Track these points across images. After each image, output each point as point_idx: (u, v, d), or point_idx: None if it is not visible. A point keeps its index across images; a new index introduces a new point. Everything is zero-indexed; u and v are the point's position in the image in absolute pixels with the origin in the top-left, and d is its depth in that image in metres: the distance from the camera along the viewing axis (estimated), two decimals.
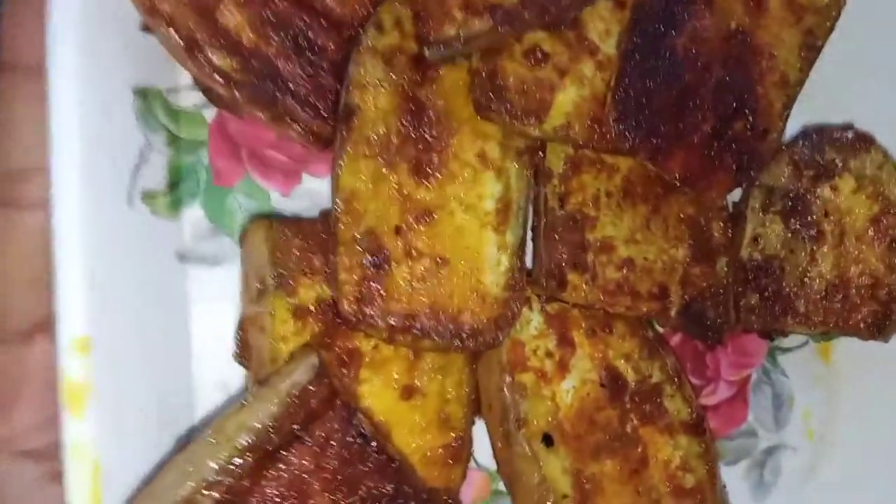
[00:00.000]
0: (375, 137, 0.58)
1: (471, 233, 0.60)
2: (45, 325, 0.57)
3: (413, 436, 0.60)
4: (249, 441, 0.52)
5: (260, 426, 0.52)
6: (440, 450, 0.61)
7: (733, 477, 0.72)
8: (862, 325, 0.69)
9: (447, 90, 0.61)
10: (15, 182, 0.56)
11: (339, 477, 0.55)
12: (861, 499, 0.72)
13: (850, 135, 0.69)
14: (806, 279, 0.69)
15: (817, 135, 0.69)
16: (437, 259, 0.59)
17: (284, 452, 0.53)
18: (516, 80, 0.61)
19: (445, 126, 0.61)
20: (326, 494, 0.54)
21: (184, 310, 0.62)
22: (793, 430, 0.74)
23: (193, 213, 0.63)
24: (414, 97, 0.60)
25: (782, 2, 0.65)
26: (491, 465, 0.66)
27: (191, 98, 0.63)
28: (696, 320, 0.67)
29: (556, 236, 0.63)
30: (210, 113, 0.63)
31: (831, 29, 0.66)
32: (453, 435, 0.62)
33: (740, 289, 0.68)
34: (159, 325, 0.59)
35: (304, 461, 0.54)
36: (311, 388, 0.54)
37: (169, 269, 0.61)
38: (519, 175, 0.62)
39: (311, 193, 0.65)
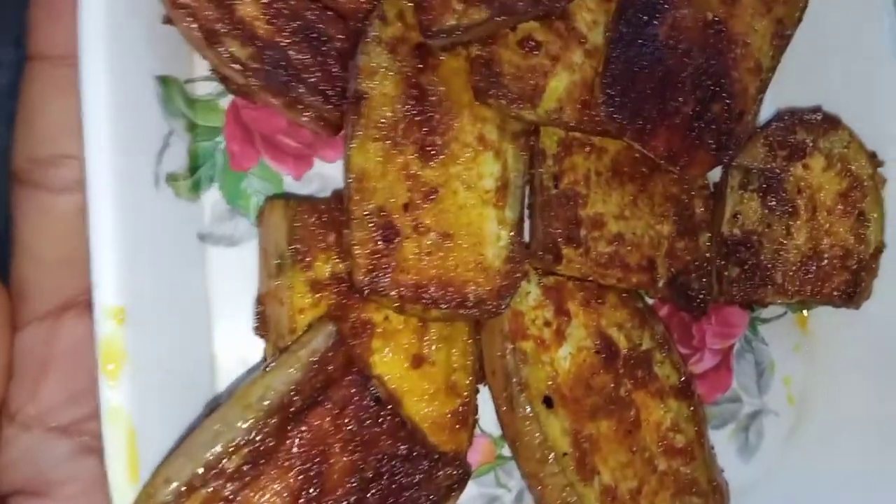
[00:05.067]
0: (383, 121, 0.62)
1: (472, 209, 0.64)
2: (73, 304, 0.60)
3: (422, 402, 0.64)
4: (274, 403, 0.55)
5: (283, 389, 0.56)
6: (448, 415, 0.65)
7: (720, 440, 0.77)
8: (835, 294, 0.74)
9: (448, 76, 0.65)
10: (44, 167, 0.59)
11: (357, 438, 0.58)
12: (840, 458, 0.77)
13: (818, 116, 0.74)
14: (782, 252, 0.74)
15: (789, 117, 0.74)
16: (443, 234, 0.63)
17: (306, 415, 0.57)
18: (511, 67, 0.66)
19: (447, 110, 0.65)
20: (345, 455, 0.58)
21: (204, 287, 0.65)
22: (774, 395, 0.79)
23: (212, 196, 0.66)
24: (417, 83, 0.64)
25: None
26: (495, 431, 0.70)
27: (206, 87, 0.67)
28: (681, 292, 0.72)
29: (552, 213, 0.68)
30: (225, 101, 0.67)
31: (800, 19, 0.71)
32: (459, 401, 0.65)
33: (722, 262, 0.73)
34: (183, 300, 0.62)
35: (324, 423, 0.57)
36: (329, 354, 0.58)
37: (191, 248, 0.64)
38: (515, 156, 0.67)
39: (321, 177, 0.69)
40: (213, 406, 0.59)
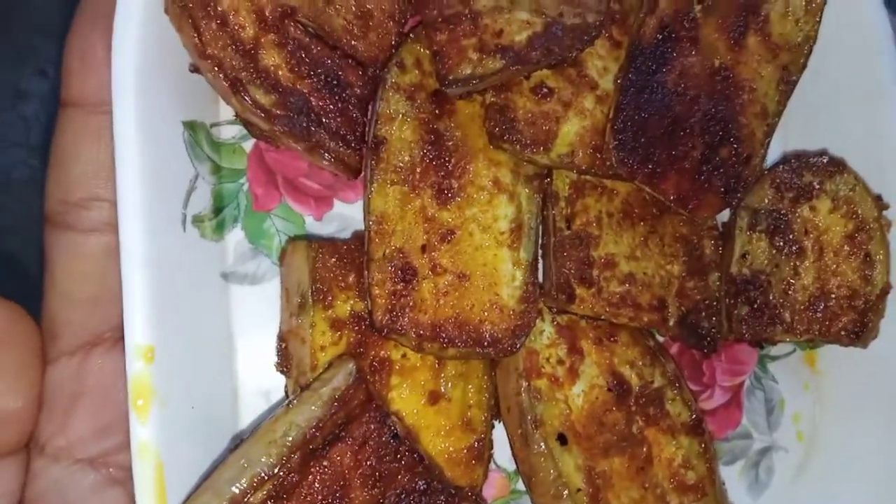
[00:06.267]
0: (401, 165, 0.65)
1: (488, 251, 0.66)
2: (101, 341, 0.62)
3: (438, 438, 0.66)
4: (297, 440, 0.57)
5: (306, 426, 0.57)
6: (464, 451, 0.66)
7: (730, 476, 0.78)
8: (842, 333, 0.75)
9: (463, 122, 0.68)
10: (76, 209, 0.61)
11: (376, 473, 0.60)
12: (848, 495, 0.77)
13: (824, 160, 0.76)
14: (790, 291, 0.75)
15: (795, 160, 0.76)
16: (459, 275, 0.65)
17: (327, 451, 0.58)
18: (525, 113, 0.68)
19: (463, 154, 0.67)
20: (365, 490, 0.59)
21: (229, 324, 0.67)
22: (784, 432, 0.80)
23: (235, 236, 0.69)
24: (434, 129, 0.67)
25: (759, 40, 0.72)
26: (509, 466, 0.72)
27: (231, 131, 0.69)
28: (692, 330, 0.73)
29: (565, 253, 0.69)
30: (248, 144, 0.70)
31: (804, 65, 0.73)
32: (475, 437, 0.67)
33: (731, 301, 0.74)
34: (208, 337, 0.64)
35: (345, 459, 0.59)
36: (349, 392, 0.59)
37: (215, 287, 0.66)
38: (529, 198, 0.69)
39: (341, 217, 0.71)
40: (237, 441, 0.60)
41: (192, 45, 0.61)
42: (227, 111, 0.68)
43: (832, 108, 0.77)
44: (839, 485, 0.78)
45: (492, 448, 0.69)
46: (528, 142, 0.67)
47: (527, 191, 0.69)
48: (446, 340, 0.63)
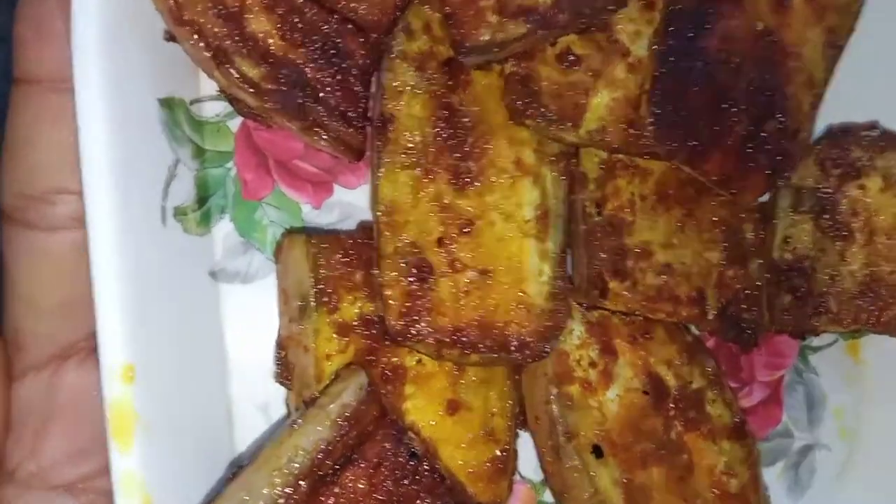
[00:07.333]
0: (412, 146, 0.57)
1: (512, 242, 0.59)
2: (73, 352, 0.55)
3: (459, 451, 0.59)
4: (304, 466, 0.50)
5: (313, 450, 0.51)
6: (486, 464, 0.60)
7: (770, 478, 0.71)
8: (893, 323, 0.69)
9: (481, 95, 0.60)
10: (37, 204, 0.53)
11: (394, 498, 0.53)
12: (894, 493, 0.72)
13: (875, 133, 0.69)
14: (837, 278, 0.68)
15: (843, 134, 0.69)
16: (480, 270, 0.57)
17: (339, 476, 0.51)
18: (550, 85, 0.60)
19: (481, 132, 0.60)
20: None
21: (219, 330, 0.59)
22: (826, 428, 0.75)
23: (223, 228, 0.61)
24: (448, 103, 0.59)
25: (805, 0, 0.65)
26: (535, 476, 0.66)
27: (214, 108, 0.61)
28: (732, 324, 0.67)
29: (596, 243, 0.62)
30: (234, 123, 0.62)
31: (852, 28, 0.66)
32: (498, 448, 0.60)
33: (773, 290, 0.68)
34: (196, 347, 0.57)
35: (358, 483, 0.52)
36: (361, 408, 0.52)
37: (202, 288, 0.59)
38: (555, 181, 0.61)
39: (342, 205, 0.64)
40: (235, 468, 0.53)
41: (166, 8, 0.52)
42: (209, 85, 0.60)
43: (883, 75, 0.70)
44: (884, 483, 0.73)
45: (516, 458, 0.62)
46: (555, 117, 0.59)
47: (552, 172, 0.61)
48: (469, 346, 0.56)
